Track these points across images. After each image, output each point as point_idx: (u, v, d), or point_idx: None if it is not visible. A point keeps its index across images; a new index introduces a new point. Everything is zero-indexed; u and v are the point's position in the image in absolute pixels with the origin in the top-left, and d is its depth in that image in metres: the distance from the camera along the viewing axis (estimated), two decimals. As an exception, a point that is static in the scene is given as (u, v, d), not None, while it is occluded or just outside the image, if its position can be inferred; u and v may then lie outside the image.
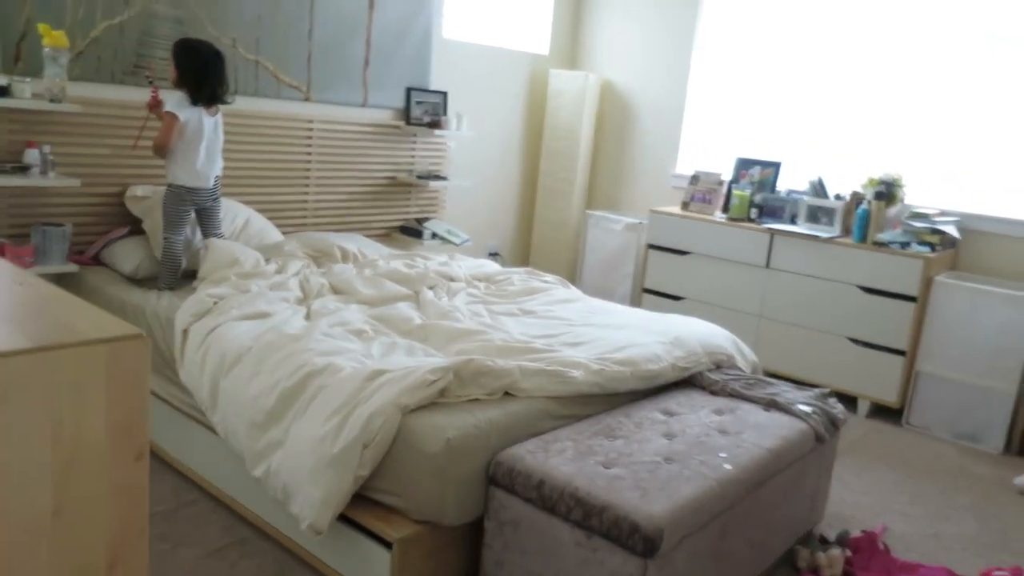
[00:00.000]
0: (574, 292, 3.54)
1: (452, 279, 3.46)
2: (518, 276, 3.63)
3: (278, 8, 3.86)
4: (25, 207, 3.24)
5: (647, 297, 4.70)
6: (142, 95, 3.29)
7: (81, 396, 1.12)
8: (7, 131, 3.15)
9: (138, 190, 3.45)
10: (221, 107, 3.23)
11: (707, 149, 5.10)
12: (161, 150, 3.08)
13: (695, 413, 2.50)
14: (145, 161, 3.42)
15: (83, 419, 1.12)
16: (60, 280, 3.36)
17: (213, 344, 2.59)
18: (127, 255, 3.32)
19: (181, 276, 3.23)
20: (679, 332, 2.91)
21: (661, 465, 2.11)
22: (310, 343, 2.48)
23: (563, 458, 2.09)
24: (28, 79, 3.04)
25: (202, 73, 3.08)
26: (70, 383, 1.11)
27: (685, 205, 4.70)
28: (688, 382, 2.79)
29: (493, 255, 5.39)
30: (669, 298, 4.62)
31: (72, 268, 3.21)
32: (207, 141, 3.16)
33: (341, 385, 2.22)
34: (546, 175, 5.48)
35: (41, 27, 2.98)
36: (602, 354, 2.61)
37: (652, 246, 4.67)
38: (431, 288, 3.28)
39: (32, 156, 3.11)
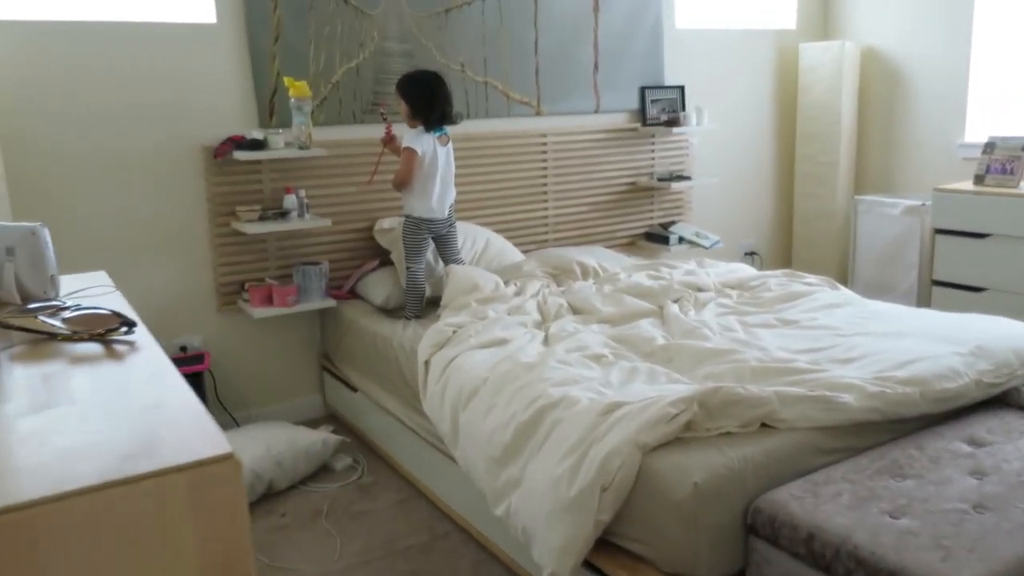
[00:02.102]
0: (844, 294, 3.08)
1: (700, 289, 3.17)
2: (776, 280, 3.25)
3: (501, 25, 3.83)
4: (288, 248, 3.48)
5: (938, 291, 4.03)
6: (379, 131, 3.39)
7: (161, 537, 0.94)
8: (270, 180, 3.39)
9: (385, 223, 3.57)
10: (451, 131, 3.25)
11: (1005, 110, 4.30)
12: (403, 185, 3.15)
13: (1013, 443, 2.00)
14: (388, 194, 3.53)
15: (168, 565, 0.95)
16: (322, 314, 3.56)
17: (452, 375, 2.55)
18: (378, 287, 3.43)
19: (426, 304, 3.28)
20: (982, 337, 2.38)
21: (969, 515, 1.68)
22: (545, 372, 2.35)
23: (837, 505, 1.75)
24: (280, 130, 3.25)
25: (430, 97, 3.11)
26: (143, 523, 0.92)
27: (979, 179, 3.97)
28: (999, 401, 2.27)
29: (749, 255, 4.97)
30: (967, 290, 3.92)
31: (330, 303, 3.38)
32: (441, 172, 3.18)
33: (576, 420, 2.05)
34: (804, 161, 4.95)
35: (286, 80, 3.17)
36: (881, 371, 2.19)
37: (940, 231, 4.00)
38: (676, 301, 3.03)
39: (290, 201, 3.33)
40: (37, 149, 2.99)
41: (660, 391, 2.13)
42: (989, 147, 3.98)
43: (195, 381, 3.17)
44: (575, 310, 3.02)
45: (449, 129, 3.27)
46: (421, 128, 3.14)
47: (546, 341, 2.72)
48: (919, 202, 4.30)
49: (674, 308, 2.92)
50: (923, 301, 4.25)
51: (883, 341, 2.46)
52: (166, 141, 3.21)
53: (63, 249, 3.05)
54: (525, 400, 2.24)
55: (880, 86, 4.80)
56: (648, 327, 2.76)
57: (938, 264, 4.03)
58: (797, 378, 2.18)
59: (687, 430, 1.95)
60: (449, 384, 2.53)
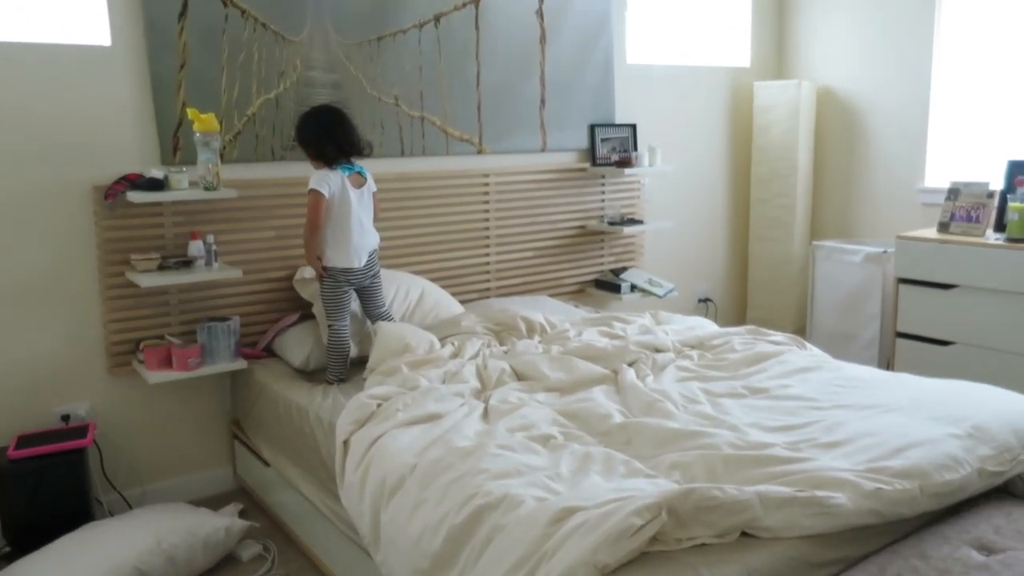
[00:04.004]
0: (814, 355, 2.80)
1: (658, 350, 2.85)
2: (739, 339, 2.95)
3: (440, 56, 3.50)
4: (195, 301, 3.06)
5: (903, 343, 3.80)
6: (302, 170, 3.01)
7: None
8: (172, 224, 2.98)
9: (306, 272, 3.18)
10: (382, 171, 2.91)
11: (966, 154, 4.14)
12: (314, 231, 2.78)
13: (1031, 550, 1.71)
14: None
15: None
16: (233, 375, 3.15)
17: (374, 460, 2.17)
18: (297, 345, 3.03)
19: (353, 365, 2.90)
20: (977, 415, 2.11)
21: (1002, 660, 1.37)
22: (483, 460, 1.98)
23: (841, 645, 1.42)
24: (185, 169, 2.85)
25: (321, 132, 2.78)
26: None
27: (944, 226, 3.77)
28: (1003, 491, 1.99)
29: (703, 301, 4.70)
30: (933, 343, 3.69)
31: (241, 365, 2.96)
32: (355, 214, 2.82)
33: (521, 528, 1.69)
34: (760, 204, 4.72)
35: (190, 112, 2.78)
36: (873, 460, 1.89)
37: (904, 280, 3.78)
38: (631, 364, 2.70)
39: (196, 248, 2.92)
40: None
41: (619, 489, 1.78)
42: (953, 193, 3.79)
43: (77, 458, 2.71)
44: (519, 375, 2.67)
45: (372, 169, 2.93)
46: (326, 168, 2.79)
47: (485, 415, 2.36)
48: (880, 249, 4.10)
49: (630, 374, 2.59)
50: (886, 353, 4.02)
51: (868, 418, 2.16)
52: (49, 179, 2.78)
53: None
54: (459, 497, 1.86)
55: (837, 127, 4.62)
56: (602, 399, 2.42)
57: (902, 315, 3.80)
58: (778, 469, 1.86)
59: (654, 543, 1.60)
60: (371, 472, 2.15)
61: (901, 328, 3.81)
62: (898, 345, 3.83)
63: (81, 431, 2.78)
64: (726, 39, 4.64)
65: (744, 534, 1.67)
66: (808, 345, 2.90)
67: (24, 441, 2.70)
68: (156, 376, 2.81)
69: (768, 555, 1.62)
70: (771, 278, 4.72)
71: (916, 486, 1.79)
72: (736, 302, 4.92)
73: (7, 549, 2.69)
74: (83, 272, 2.87)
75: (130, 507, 2.96)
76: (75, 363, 2.90)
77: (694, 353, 2.87)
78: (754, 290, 4.83)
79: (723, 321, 4.70)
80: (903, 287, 3.79)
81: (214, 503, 3.04)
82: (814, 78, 4.66)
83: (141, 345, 2.92)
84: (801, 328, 4.55)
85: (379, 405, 2.39)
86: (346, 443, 2.31)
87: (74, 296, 2.87)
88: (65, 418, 2.88)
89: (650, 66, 4.30)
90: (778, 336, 2.97)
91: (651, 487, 1.78)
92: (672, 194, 4.47)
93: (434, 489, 1.94)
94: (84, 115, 2.81)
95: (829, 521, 1.67)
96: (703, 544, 1.63)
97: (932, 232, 3.79)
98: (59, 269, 2.83)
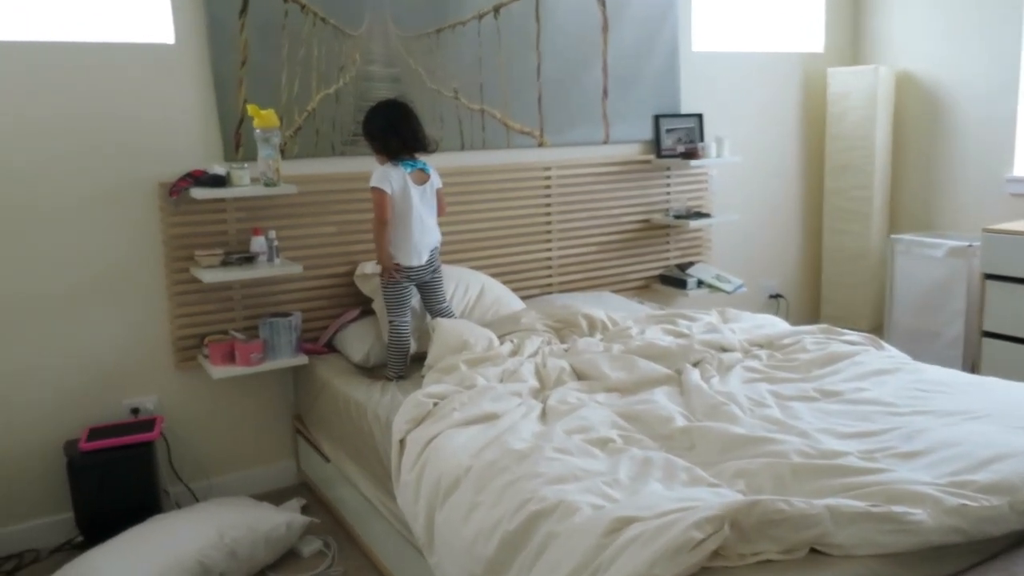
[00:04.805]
0: (892, 356, 2.65)
1: (724, 348, 2.75)
2: (812, 339, 2.81)
3: (500, 47, 3.44)
4: (257, 296, 3.09)
5: (989, 343, 3.59)
6: (363, 165, 3.00)
7: None
8: (235, 220, 3.01)
9: (367, 267, 3.17)
10: (443, 164, 2.89)
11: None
12: (383, 228, 2.78)
13: None
14: (371, 235, 3.13)
15: None
16: (296, 370, 3.16)
17: (430, 461, 2.13)
18: (357, 341, 3.03)
19: (411, 361, 2.88)
20: (1074, 424, 1.95)
21: None
22: (539, 464, 1.93)
23: (919, 675, 1.31)
24: (246, 165, 2.86)
25: (386, 127, 2.78)
26: None
27: (1035, 218, 3.54)
28: (1103, 508, 1.83)
29: (774, 298, 4.54)
30: (1023, 343, 3.48)
31: (302, 360, 2.97)
32: (417, 212, 2.80)
33: (576, 537, 1.63)
34: (835, 195, 4.53)
35: (250, 108, 2.79)
36: (957, 473, 1.76)
37: (990, 276, 3.56)
38: (696, 364, 2.60)
39: (258, 244, 2.94)
40: (-37, 187, 2.61)
41: (680, 498, 1.70)
42: (1046, 183, 3.55)
43: (145, 451, 2.76)
44: (579, 375, 2.61)
45: (432, 163, 2.90)
46: (389, 164, 2.77)
47: (543, 416, 2.31)
48: (965, 243, 3.87)
49: (694, 375, 2.49)
50: (971, 355, 3.81)
51: (951, 426, 2.02)
52: (117, 176, 2.83)
53: (-14, 303, 2.67)
54: (514, 502, 1.81)
55: (918, 114, 4.39)
56: (664, 400, 2.33)
57: (989, 313, 3.58)
58: (851, 481, 1.75)
59: (715, 558, 1.52)
60: (426, 472, 2.11)
61: (988, 327, 3.59)
62: (985, 345, 3.61)
63: (149, 424, 2.83)
64: (798, 24, 4.45)
65: (813, 551, 1.57)
66: (886, 345, 2.75)
67: (95, 434, 2.77)
68: (220, 371, 2.84)
69: (839, 574, 1.51)
70: (846, 273, 4.52)
71: (1004, 502, 1.65)
72: (809, 298, 4.74)
73: (79, 539, 2.76)
74: (151, 268, 2.92)
75: (196, 499, 3.00)
76: (144, 357, 2.96)
77: (763, 353, 2.75)
78: (828, 286, 4.64)
79: (795, 318, 4.53)
80: (990, 283, 3.57)
81: (278, 497, 3.06)
82: (892, 63, 4.43)
83: (206, 340, 2.96)
84: (878, 327, 4.34)
85: (435, 404, 2.36)
86: (402, 442, 2.29)
87: (142, 291, 2.92)
88: (134, 411, 2.95)
89: (717, 53, 4.15)
90: (853, 335, 2.82)
91: (713, 497, 1.70)
92: (741, 186, 4.32)
93: (489, 492, 1.90)
94: (150, 113, 2.85)
95: (907, 539, 1.56)
96: (768, 560, 1.54)
97: (1022, 225, 3.56)
98: (128, 265, 2.89)
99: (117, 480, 2.71)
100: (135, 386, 2.96)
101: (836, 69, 4.43)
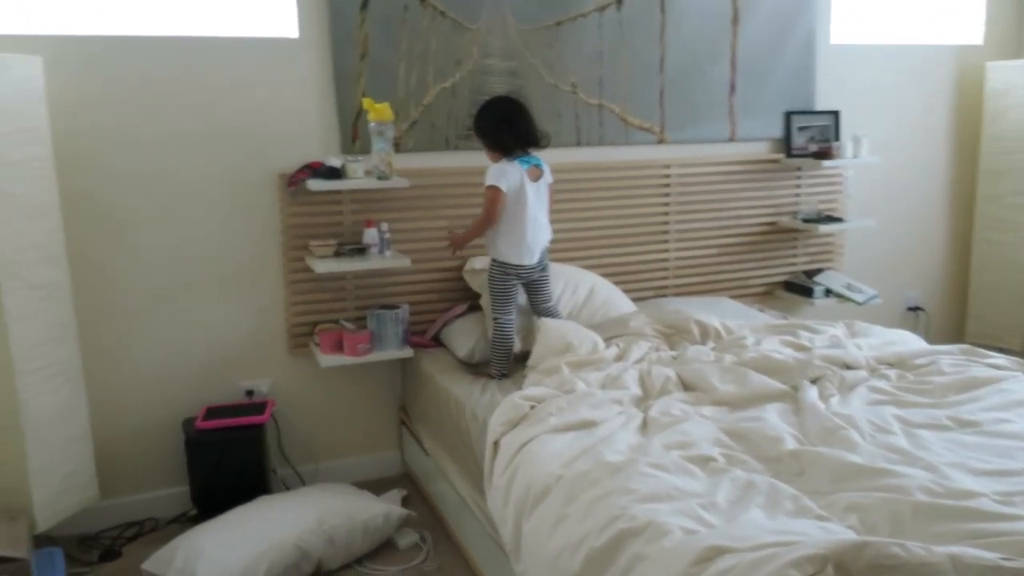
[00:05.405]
0: (1044, 385, 2.37)
1: (848, 366, 2.54)
2: (950, 359, 2.56)
3: (621, 40, 3.33)
4: (369, 287, 3.13)
5: None
6: (476, 160, 2.98)
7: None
8: (350, 211, 3.06)
9: (476, 262, 3.16)
10: (557, 160, 2.83)
11: None
12: (486, 227, 2.75)
13: None
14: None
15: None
16: (403, 362, 3.19)
17: (522, 466, 2.08)
18: (463, 336, 3.02)
19: (515, 360, 2.84)
20: None
21: None
22: (632, 479, 1.83)
23: None
24: (360, 158, 2.90)
25: (501, 122, 2.74)
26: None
27: None
28: None
29: (913, 310, 4.21)
30: None
31: (407, 353, 2.99)
32: (531, 210, 2.74)
33: (662, 562, 1.53)
34: (988, 201, 4.14)
35: (365, 102, 2.82)
36: (1112, 527, 1.53)
37: None
38: (815, 382, 2.42)
39: (370, 236, 2.98)
40: (96, 173, 2.76)
41: (781, 530, 1.56)
42: None
43: (256, 433, 2.85)
44: (686, 385, 2.48)
45: (546, 158, 2.84)
46: (504, 160, 2.72)
47: (643, 427, 2.20)
48: None
49: (812, 393, 2.32)
50: None
51: (1109, 471, 1.77)
52: (239, 166, 2.93)
53: (117, 283, 2.82)
54: (602, 518, 1.73)
55: (1091, 114, 3.94)
56: (776, 419, 2.18)
57: None
58: (982, 527, 1.56)
59: (817, 600, 1.39)
60: (517, 477, 2.06)
61: None
62: None
63: (261, 407, 2.92)
64: (953, 14, 4.09)
65: (931, 603, 1.40)
66: (1037, 372, 2.47)
67: (211, 413, 2.89)
68: (328, 360, 2.89)
69: (960, 633, 1.35)
70: (998, 288, 4.13)
71: None
72: (953, 314, 4.36)
73: (193, 512, 2.89)
74: (270, 256, 3.01)
75: (303, 482, 3.08)
76: (261, 342, 3.06)
77: (891, 373, 2.53)
78: (976, 301, 4.25)
79: (935, 335, 4.18)
80: None
81: (382, 486, 3.10)
82: (1065, 56, 4.00)
83: (317, 328, 3.02)
84: (1033, 347, 3.95)
85: (532, 407, 2.30)
86: (496, 444, 2.25)
87: (262, 279, 3.02)
88: (249, 393, 3.05)
89: (858, 46, 3.87)
90: (999, 359, 2.55)
91: (819, 532, 1.55)
92: (879, 189, 4.02)
93: (578, 505, 1.82)
94: (273, 105, 2.93)
95: (1045, 600, 1.37)
96: (879, 609, 1.39)
97: None
98: (250, 253, 2.99)
99: (229, 459, 2.81)
100: (251, 369, 3.06)
101: (996, 63, 4.04)
